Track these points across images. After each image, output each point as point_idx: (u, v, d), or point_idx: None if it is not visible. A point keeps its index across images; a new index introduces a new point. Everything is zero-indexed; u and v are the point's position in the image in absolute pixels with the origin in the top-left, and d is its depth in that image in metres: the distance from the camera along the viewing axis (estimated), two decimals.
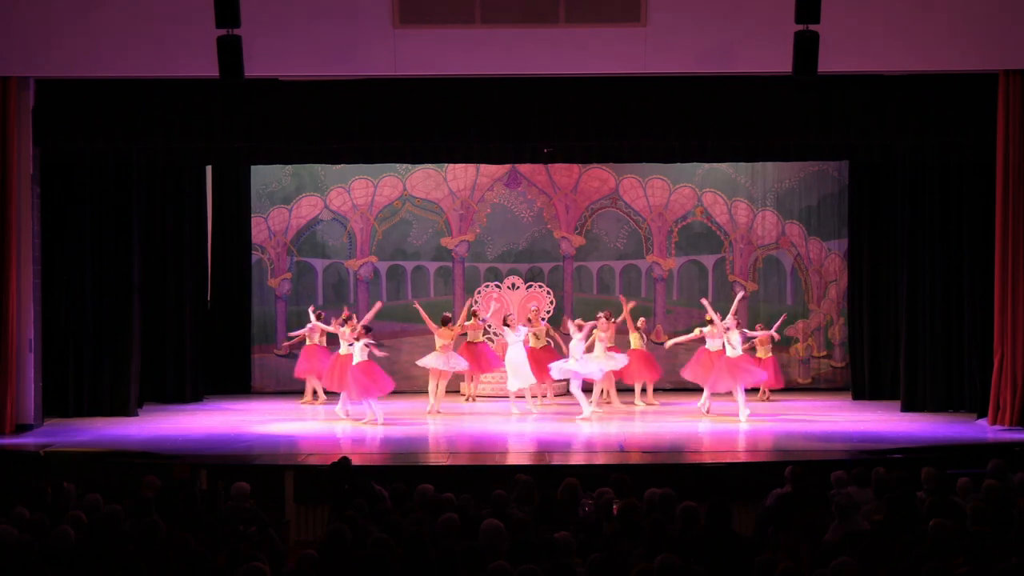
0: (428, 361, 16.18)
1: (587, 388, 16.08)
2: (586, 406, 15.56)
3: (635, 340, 16.64)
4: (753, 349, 16.74)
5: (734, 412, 15.49)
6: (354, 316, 16.27)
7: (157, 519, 8.13)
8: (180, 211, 17.51)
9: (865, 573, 7.14)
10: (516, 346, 16.02)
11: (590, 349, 15.83)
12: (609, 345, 16.15)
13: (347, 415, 15.68)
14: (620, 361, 16.20)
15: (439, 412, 16.14)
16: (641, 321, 16.80)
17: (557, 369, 15.79)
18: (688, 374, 16.40)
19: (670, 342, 16.58)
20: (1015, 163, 14.34)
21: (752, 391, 16.46)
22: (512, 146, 15.40)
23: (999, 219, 14.49)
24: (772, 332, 16.91)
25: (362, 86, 14.67)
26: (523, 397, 16.24)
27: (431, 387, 16.25)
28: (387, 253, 18.86)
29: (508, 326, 16.33)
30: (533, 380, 16.06)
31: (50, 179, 15.26)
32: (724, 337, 15.57)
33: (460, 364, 16.38)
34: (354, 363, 15.10)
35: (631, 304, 16.71)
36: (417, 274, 18.87)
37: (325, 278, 18.85)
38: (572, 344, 15.59)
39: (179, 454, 13.04)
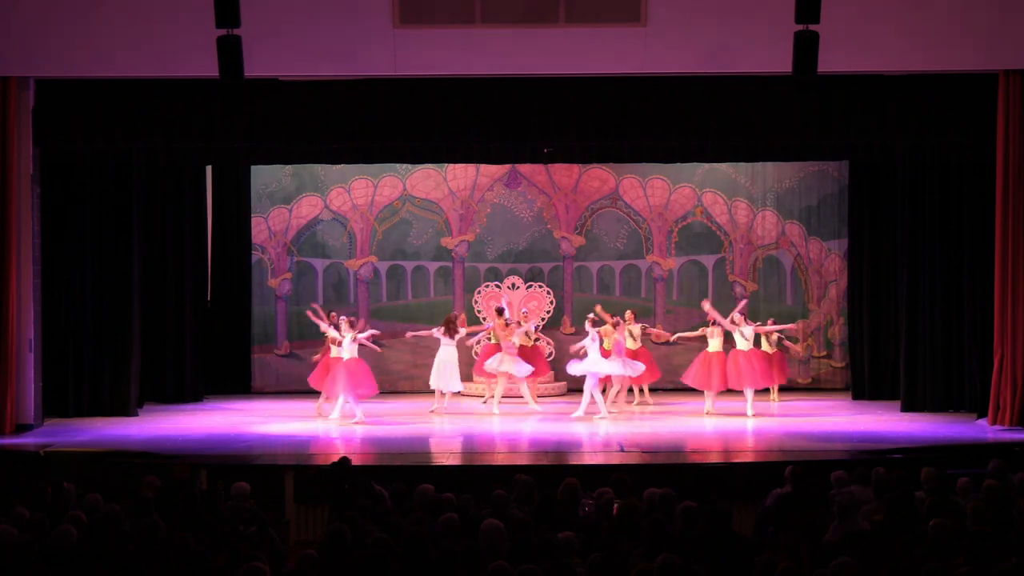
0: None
1: (578, 388, 16.07)
2: (603, 405, 15.55)
3: (630, 342, 16.57)
4: (758, 343, 16.64)
5: (738, 411, 15.56)
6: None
7: (157, 519, 8.13)
8: (180, 211, 17.51)
9: (865, 573, 7.14)
10: (448, 348, 16.13)
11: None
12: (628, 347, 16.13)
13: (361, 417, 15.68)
14: (636, 367, 16.06)
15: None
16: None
17: (575, 367, 15.67)
18: (690, 379, 16.21)
19: (676, 335, 16.66)
20: (1015, 163, 14.34)
21: (763, 391, 16.59)
22: (512, 146, 15.40)
23: (999, 219, 14.49)
24: (774, 327, 16.77)
25: (362, 86, 14.67)
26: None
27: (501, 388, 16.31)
28: (387, 253, 18.85)
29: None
30: (456, 387, 16.12)
31: (50, 179, 15.26)
32: (738, 331, 15.68)
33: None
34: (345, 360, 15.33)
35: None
36: (417, 274, 18.86)
37: (325, 278, 18.83)
38: (588, 343, 15.54)
39: (179, 454, 13.03)
